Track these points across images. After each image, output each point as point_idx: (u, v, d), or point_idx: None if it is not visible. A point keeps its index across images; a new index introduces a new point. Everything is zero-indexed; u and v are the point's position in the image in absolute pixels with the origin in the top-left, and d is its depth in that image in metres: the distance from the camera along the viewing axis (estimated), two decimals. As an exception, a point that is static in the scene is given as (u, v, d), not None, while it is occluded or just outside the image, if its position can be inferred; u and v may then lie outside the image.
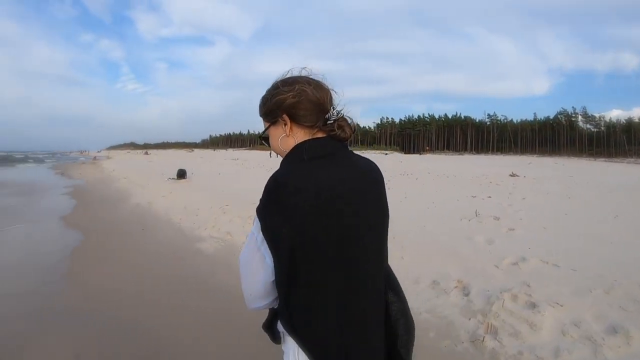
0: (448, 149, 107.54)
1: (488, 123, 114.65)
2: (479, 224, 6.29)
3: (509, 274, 3.97)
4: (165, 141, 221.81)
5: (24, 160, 60.49)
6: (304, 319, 1.08)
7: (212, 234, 6.63)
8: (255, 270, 1.11)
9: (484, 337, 2.92)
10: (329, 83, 1.21)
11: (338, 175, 1.10)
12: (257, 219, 1.09)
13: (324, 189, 1.06)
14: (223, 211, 8.19)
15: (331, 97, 1.20)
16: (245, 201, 8.85)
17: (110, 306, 3.88)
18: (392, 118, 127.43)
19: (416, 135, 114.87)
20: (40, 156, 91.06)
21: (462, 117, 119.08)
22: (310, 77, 1.20)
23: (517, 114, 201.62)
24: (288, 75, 1.20)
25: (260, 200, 1.07)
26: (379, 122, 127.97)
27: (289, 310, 1.09)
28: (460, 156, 71.17)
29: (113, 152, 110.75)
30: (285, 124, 1.17)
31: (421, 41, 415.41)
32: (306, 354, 1.10)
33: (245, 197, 9.58)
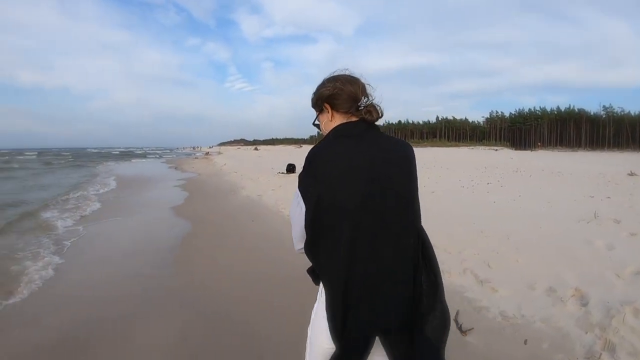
0: (561, 144, 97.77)
1: (603, 116, 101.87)
2: (598, 226, 5.79)
3: (631, 285, 3.66)
4: (274, 137, 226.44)
5: (143, 155, 68.53)
6: (322, 256, 1.37)
7: None
8: (296, 219, 1.41)
9: (600, 355, 2.72)
10: (364, 79, 1.50)
11: (359, 150, 1.37)
12: (298, 180, 1.42)
13: (344, 160, 1.35)
14: None
15: (363, 89, 1.48)
16: None
17: (215, 292, 4.16)
18: (501, 112, 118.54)
19: (527, 130, 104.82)
20: (158, 152, 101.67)
21: (576, 110, 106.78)
22: (347, 74, 1.50)
23: (636, 106, 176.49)
24: (332, 75, 1.52)
25: (303, 166, 1.42)
26: (488, 117, 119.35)
27: (312, 249, 1.38)
28: (574, 152, 64.31)
29: (224, 148, 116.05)
30: (327, 112, 1.49)
31: (529, 28, 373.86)
32: (325, 287, 1.39)
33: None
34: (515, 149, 72.61)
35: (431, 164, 22.50)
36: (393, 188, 1.36)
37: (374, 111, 1.43)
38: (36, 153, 72.44)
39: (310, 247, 1.38)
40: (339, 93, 1.45)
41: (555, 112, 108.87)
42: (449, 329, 1.39)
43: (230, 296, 3.97)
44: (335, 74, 1.51)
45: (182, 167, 28.96)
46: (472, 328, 3.05)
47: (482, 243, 4.75)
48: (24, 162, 43.77)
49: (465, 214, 6.46)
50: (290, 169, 17.11)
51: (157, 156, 65.29)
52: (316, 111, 1.56)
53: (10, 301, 3.90)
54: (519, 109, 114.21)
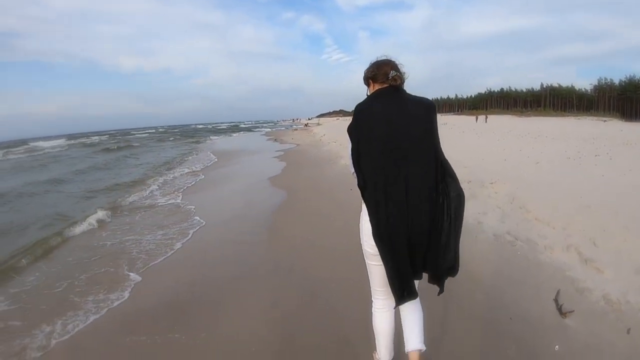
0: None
1: None
2: None
3: None
4: None
5: (244, 129, 72.42)
6: (363, 180, 1.94)
7: None
8: (348, 153, 2.02)
9: None
10: (394, 59, 2.09)
11: (385, 105, 1.96)
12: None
13: (374, 112, 1.96)
14: None
15: (393, 66, 2.05)
16: (456, 166, 8.68)
17: (305, 258, 4.46)
18: (610, 79, 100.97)
19: (639, 99, 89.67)
20: (258, 125, 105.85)
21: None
22: (383, 59, 2.10)
23: None
24: (376, 60, 2.12)
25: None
26: (596, 84, 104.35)
27: (358, 175, 1.97)
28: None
29: (323, 120, 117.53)
30: (371, 85, 2.11)
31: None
32: (365, 201, 1.99)
33: (456, 162, 9.45)
34: (625, 120, 63.50)
35: (535, 133, 20.86)
36: (410, 130, 1.90)
37: (398, 79, 2.00)
38: (147, 133, 79.48)
39: (357, 172, 1.97)
40: (377, 73, 2.06)
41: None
42: (462, 218, 1.99)
43: (317, 272, 4.10)
44: (380, 58, 2.11)
45: (281, 139, 30.31)
46: (573, 310, 2.92)
47: (588, 219, 4.44)
48: (140, 139, 48.22)
49: (570, 187, 6.02)
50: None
51: (257, 129, 68.38)
52: (365, 85, 2.16)
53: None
54: (630, 76, 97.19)
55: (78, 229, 6.24)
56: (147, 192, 9.58)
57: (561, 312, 2.96)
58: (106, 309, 3.60)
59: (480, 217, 5.20)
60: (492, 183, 6.53)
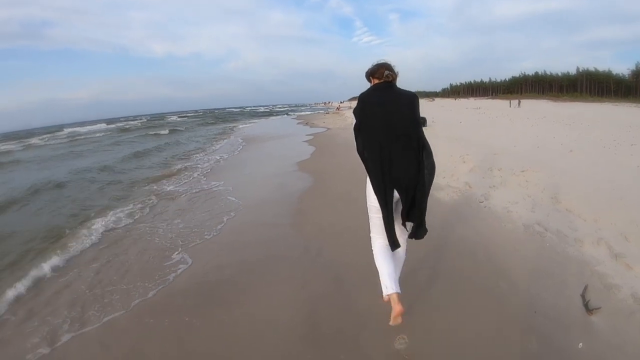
0: None
1: None
2: None
3: None
4: None
5: (276, 113, 72.36)
6: (362, 147, 2.71)
7: (450, 183, 6.71)
8: (355, 127, 2.79)
9: None
10: (389, 61, 2.80)
11: (380, 95, 2.71)
12: (354, 108, 2.79)
13: (370, 100, 2.72)
14: (463, 160, 8.10)
15: (388, 67, 2.75)
16: (487, 152, 8.58)
17: (331, 242, 4.58)
18: None
19: None
20: (291, 108, 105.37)
21: None
22: (382, 62, 2.80)
23: None
24: (375, 62, 2.81)
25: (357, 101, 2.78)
26: (634, 69, 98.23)
27: (360, 145, 2.74)
28: None
29: (355, 103, 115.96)
30: (371, 80, 2.82)
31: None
32: (368, 168, 2.69)
33: (488, 147, 9.26)
34: None
35: (570, 119, 20.08)
36: (395, 115, 2.62)
37: (391, 77, 2.73)
38: (183, 117, 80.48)
39: (357, 141, 2.76)
40: (376, 70, 2.76)
41: None
42: (431, 182, 2.69)
43: (341, 256, 4.16)
44: (379, 62, 2.79)
45: (312, 122, 30.27)
46: (600, 307, 2.89)
47: (621, 212, 4.31)
48: (182, 123, 49.00)
49: (604, 177, 5.84)
50: (422, 122, 16.76)
51: (287, 113, 68.56)
52: (367, 80, 2.86)
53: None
54: None
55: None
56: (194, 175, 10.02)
57: (588, 308, 2.93)
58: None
59: (510, 206, 5.15)
60: (523, 171, 6.42)
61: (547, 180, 5.79)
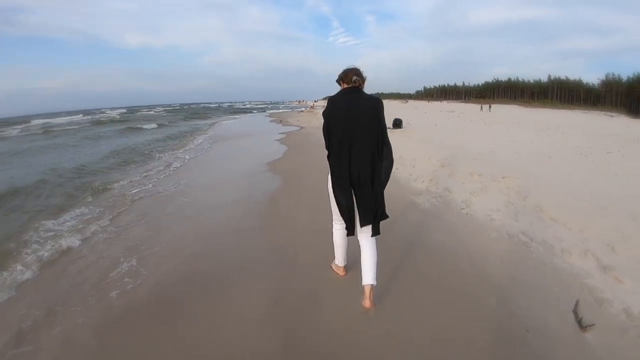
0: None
1: None
2: None
3: None
4: (380, 92, 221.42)
5: (249, 110, 70.82)
6: (329, 146, 2.94)
7: (430, 187, 6.53)
8: (323, 127, 2.99)
9: None
10: (359, 66, 3.02)
11: (347, 99, 2.90)
12: (324, 110, 2.97)
13: (338, 104, 2.91)
14: (441, 164, 7.88)
15: (357, 72, 2.95)
16: (466, 156, 8.44)
17: (305, 247, 4.23)
18: (618, 75, 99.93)
19: None
20: (264, 106, 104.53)
21: None
22: (352, 67, 2.99)
23: None
24: (346, 67, 3.00)
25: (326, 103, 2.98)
26: (604, 79, 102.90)
27: (327, 145, 2.97)
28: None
29: None
30: (342, 83, 2.99)
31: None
32: (331, 165, 2.97)
33: (465, 152, 9.14)
34: (632, 117, 62.18)
35: (545, 126, 20.60)
36: (360, 119, 2.84)
37: (359, 82, 2.93)
38: (158, 111, 78.78)
39: (325, 140, 2.98)
40: (346, 76, 2.96)
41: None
42: (388, 178, 3.00)
43: (313, 259, 3.89)
44: (349, 67, 3.00)
45: (285, 120, 30.03)
46: (594, 324, 2.75)
47: (605, 221, 4.22)
48: (164, 117, 47.67)
49: (585, 185, 5.78)
50: (397, 123, 16.68)
51: (261, 110, 67.94)
52: (338, 83, 3.03)
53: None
54: (638, 73, 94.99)
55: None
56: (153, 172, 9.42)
57: (581, 325, 2.78)
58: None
59: (493, 213, 5.01)
60: (504, 178, 6.31)
61: (529, 188, 5.68)
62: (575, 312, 2.93)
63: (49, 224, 5.55)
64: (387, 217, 3.04)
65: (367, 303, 2.96)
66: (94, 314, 3.20)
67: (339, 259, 3.48)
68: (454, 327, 2.79)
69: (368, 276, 2.96)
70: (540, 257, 3.82)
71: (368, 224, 2.96)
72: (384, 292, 3.22)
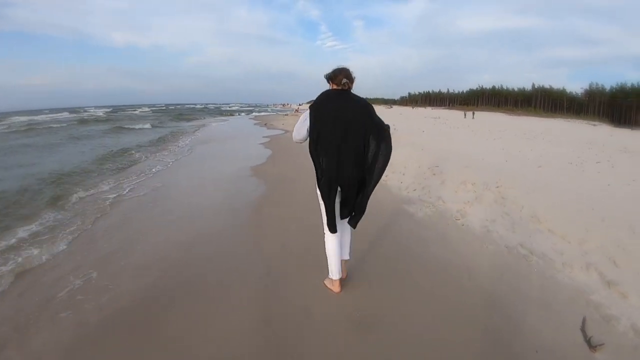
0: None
1: None
2: None
3: None
4: (365, 97, 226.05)
5: (233, 112, 69.78)
6: (318, 152, 2.96)
7: (422, 196, 6.45)
8: (301, 129, 3.01)
9: None
10: (348, 67, 3.01)
11: (336, 102, 2.93)
12: (308, 110, 2.97)
13: (325, 105, 2.96)
14: (432, 172, 7.77)
15: (346, 73, 2.95)
16: (458, 164, 8.30)
17: (294, 261, 4.03)
18: (601, 85, 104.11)
19: (628, 107, 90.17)
20: (249, 108, 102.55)
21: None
22: (341, 67, 2.99)
23: None
24: (336, 67, 3.00)
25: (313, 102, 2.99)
26: (587, 89, 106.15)
27: (313, 147, 2.96)
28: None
29: None
30: (331, 84, 3.01)
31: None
32: (317, 167, 3.01)
33: (456, 159, 9.04)
34: (614, 126, 64.03)
35: (532, 134, 20.83)
36: (351, 123, 2.89)
37: (348, 84, 2.94)
38: (144, 111, 77.80)
39: (313, 148, 2.96)
40: (336, 75, 2.97)
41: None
42: (384, 170, 3.00)
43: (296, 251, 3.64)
44: (339, 67, 2.99)
45: (270, 123, 29.98)
46: (603, 344, 2.64)
47: (605, 234, 4.13)
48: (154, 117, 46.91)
49: (580, 195, 5.73)
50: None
51: (246, 113, 67.11)
52: (327, 81, 3.02)
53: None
54: (621, 83, 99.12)
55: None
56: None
57: (591, 345, 2.67)
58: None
59: (489, 224, 4.92)
60: (498, 187, 6.23)
61: (524, 198, 5.60)
62: (583, 330, 2.82)
63: (20, 231, 5.24)
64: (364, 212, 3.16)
65: (343, 274, 3.37)
66: (66, 331, 2.96)
67: (334, 272, 3.26)
68: (459, 345, 2.67)
69: (344, 252, 3.37)
70: (542, 272, 3.72)
71: (346, 218, 3.21)
72: (385, 306, 3.10)
